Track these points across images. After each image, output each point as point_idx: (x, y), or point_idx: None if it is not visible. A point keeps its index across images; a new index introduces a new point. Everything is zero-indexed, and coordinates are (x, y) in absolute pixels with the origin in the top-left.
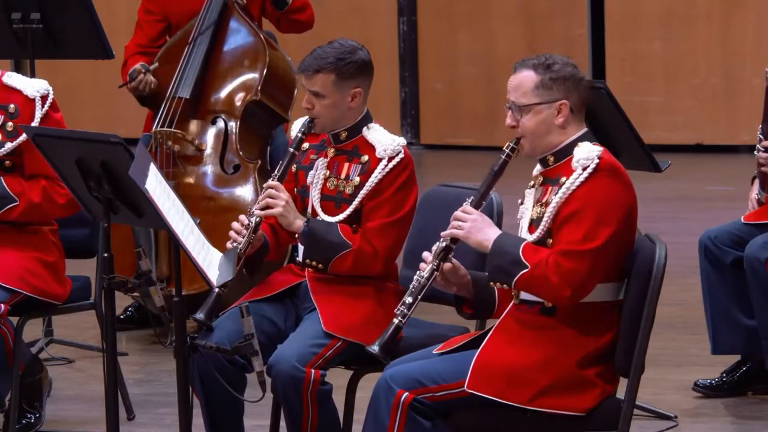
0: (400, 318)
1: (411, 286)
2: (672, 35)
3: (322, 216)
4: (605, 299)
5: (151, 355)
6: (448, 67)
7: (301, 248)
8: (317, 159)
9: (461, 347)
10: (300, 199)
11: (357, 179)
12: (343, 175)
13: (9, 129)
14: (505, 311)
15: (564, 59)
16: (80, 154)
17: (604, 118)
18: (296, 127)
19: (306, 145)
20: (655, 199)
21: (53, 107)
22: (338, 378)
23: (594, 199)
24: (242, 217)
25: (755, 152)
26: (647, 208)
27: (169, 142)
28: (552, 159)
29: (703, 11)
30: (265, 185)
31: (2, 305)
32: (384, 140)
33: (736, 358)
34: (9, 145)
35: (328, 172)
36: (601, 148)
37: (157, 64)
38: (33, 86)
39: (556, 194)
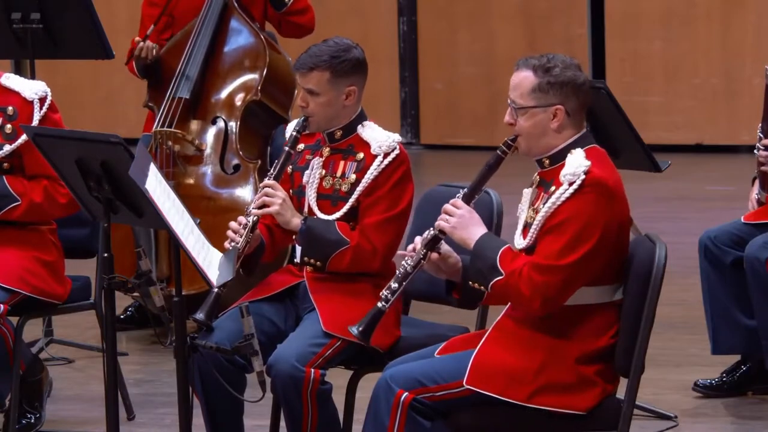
0: (383, 302)
1: (397, 272)
2: (672, 35)
3: (319, 215)
4: (599, 301)
5: (151, 355)
6: (448, 67)
7: (299, 250)
8: (313, 159)
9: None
10: (296, 200)
11: (353, 176)
12: (338, 173)
13: (8, 131)
14: (502, 312)
15: (567, 61)
16: (80, 154)
17: (604, 118)
18: (291, 126)
19: (301, 146)
20: (655, 199)
21: (52, 108)
22: (338, 378)
23: (577, 214)
24: (240, 217)
25: (755, 151)
26: (647, 208)
27: (169, 142)
28: (548, 162)
29: (703, 11)
30: (261, 185)
31: (2, 305)
32: (379, 137)
33: (736, 358)
34: (8, 148)
35: (324, 171)
36: (589, 163)
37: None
38: (31, 88)
39: (544, 204)
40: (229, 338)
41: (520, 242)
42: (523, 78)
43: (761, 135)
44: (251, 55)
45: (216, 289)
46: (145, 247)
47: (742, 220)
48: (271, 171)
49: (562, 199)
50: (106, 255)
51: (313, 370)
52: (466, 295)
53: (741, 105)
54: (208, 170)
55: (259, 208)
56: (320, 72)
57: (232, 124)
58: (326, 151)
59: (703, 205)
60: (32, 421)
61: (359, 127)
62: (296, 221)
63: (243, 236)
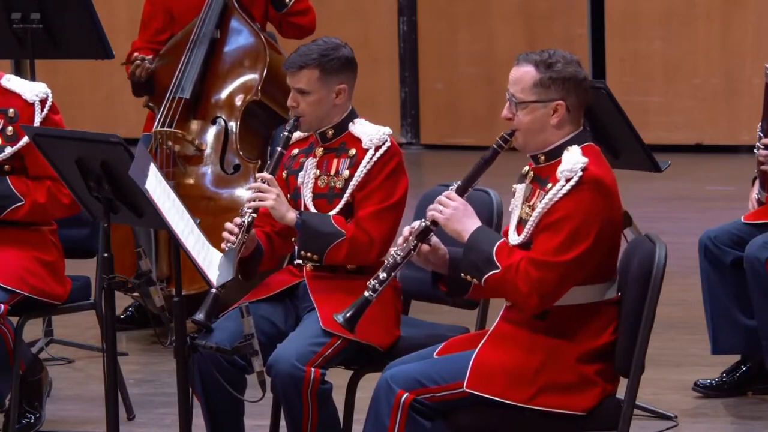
0: (370, 291)
1: (387, 262)
2: (672, 35)
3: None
4: (593, 300)
5: (151, 355)
6: (448, 67)
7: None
8: (306, 160)
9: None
10: (293, 202)
11: (346, 172)
12: (332, 171)
13: (9, 133)
14: (499, 315)
15: (567, 57)
16: (80, 154)
17: (604, 118)
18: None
19: (295, 151)
20: (655, 199)
21: (53, 110)
22: (338, 378)
23: (574, 212)
24: (236, 218)
25: (755, 150)
26: (647, 208)
27: (169, 142)
28: (543, 158)
29: (703, 11)
30: (258, 176)
31: (2, 305)
32: (370, 131)
33: (736, 358)
34: (9, 150)
35: (318, 171)
36: (586, 159)
37: (157, 59)
38: (32, 90)
39: (541, 201)
40: (229, 338)
41: (514, 238)
42: (525, 73)
43: (761, 134)
44: (251, 55)
45: (214, 290)
46: (145, 247)
47: (742, 220)
48: (264, 172)
49: (559, 195)
50: (106, 255)
51: (313, 369)
52: (452, 287)
53: (741, 105)
54: (208, 170)
55: (254, 208)
56: (310, 70)
57: (232, 124)
58: (319, 151)
59: (703, 205)
60: (32, 421)
61: (350, 124)
62: (291, 216)
63: (239, 236)
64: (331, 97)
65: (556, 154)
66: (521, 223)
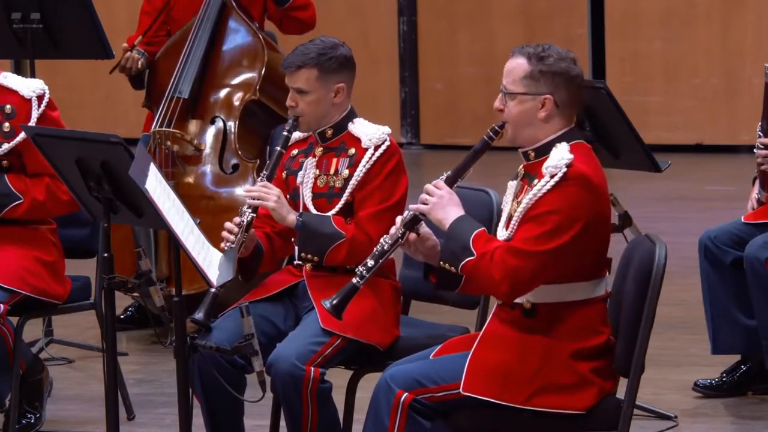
0: (358, 279)
1: (375, 250)
2: (672, 35)
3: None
4: (583, 297)
5: (151, 355)
6: (448, 67)
7: (297, 249)
8: (306, 160)
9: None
10: (292, 202)
11: (346, 172)
12: (332, 171)
13: (6, 130)
14: (491, 314)
15: (562, 53)
16: (80, 154)
17: (604, 118)
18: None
19: (295, 151)
20: (655, 199)
21: (50, 106)
22: (338, 378)
23: (558, 206)
24: (236, 218)
25: (754, 150)
26: (647, 208)
27: (168, 142)
28: (533, 154)
29: (703, 11)
30: (255, 182)
31: (1, 305)
32: (369, 131)
33: (736, 358)
34: (6, 146)
35: (318, 170)
36: (572, 156)
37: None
38: (29, 86)
39: (526, 196)
40: (229, 338)
41: (502, 234)
42: (517, 65)
43: (761, 133)
44: (249, 55)
45: (213, 290)
46: (145, 247)
47: (742, 220)
48: (264, 172)
49: (543, 191)
50: (106, 255)
51: (313, 368)
52: (442, 279)
53: (741, 105)
54: (207, 170)
55: (254, 208)
56: (308, 70)
57: (231, 124)
58: (319, 151)
59: (703, 205)
60: (32, 421)
61: (350, 124)
62: (292, 217)
63: (238, 236)
64: (330, 97)
65: (545, 151)
66: (509, 220)
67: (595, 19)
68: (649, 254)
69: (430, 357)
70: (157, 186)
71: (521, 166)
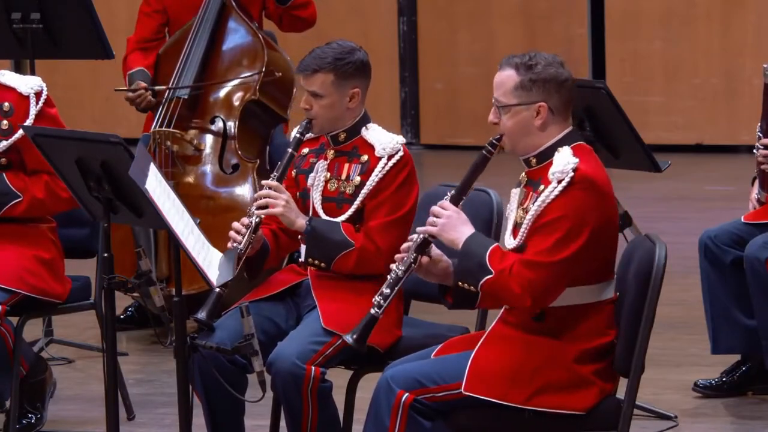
0: (376, 308)
1: (389, 277)
2: (672, 35)
3: (325, 218)
4: (591, 300)
5: (151, 355)
6: (448, 67)
7: (303, 249)
8: (317, 162)
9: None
10: (301, 203)
11: (357, 179)
12: (343, 176)
13: (4, 127)
14: (497, 317)
15: (549, 58)
16: (80, 154)
17: (604, 118)
18: (295, 129)
19: (306, 150)
20: (655, 199)
21: (48, 103)
22: (338, 378)
23: (566, 212)
24: (243, 218)
25: (754, 150)
26: (647, 208)
27: (168, 142)
28: (534, 161)
29: (703, 11)
30: (264, 183)
31: (1, 306)
32: (383, 139)
33: (736, 358)
34: (4, 143)
35: (329, 174)
36: (577, 160)
37: (162, 87)
38: (27, 83)
39: (534, 203)
40: (230, 338)
41: (510, 242)
42: (506, 77)
43: (760, 134)
44: (249, 55)
45: (218, 289)
46: (145, 247)
47: (742, 219)
48: (274, 173)
49: (552, 197)
50: (106, 255)
51: (313, 367)
52: (458, 298)
53: (741, 105)
54: (207, 170)
55: (262, 209)
56: (324, 74)
57: (231, 124)
58: (330, 153)
59: (703, 205)
60: (33, 421)
61: (363, 129)
62: (301, 222)
63: (245, 236)
64: (345, 101)
65: (546, 156)
66: (516, 227)
67: (595, 19)
68: (649, 254)
69: (431, 357)
70: (157, 186)
71: (523, 173)
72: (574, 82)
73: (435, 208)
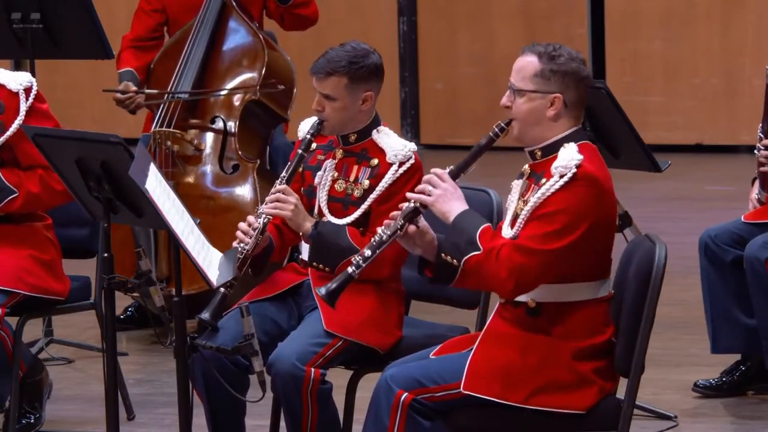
0: (353, 268)
1: (372, 240)
2: (672, 35)
3: (329, 217)
4: (587, 297)
5: (151, 355)
6: (448, 67)
7: (304, 247)
8: (325, 160)
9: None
10: (306, 199)
11: (366, 182)
12: (352, 178)
13: None
14: (493, 312)
15: (572, 53)
16: (80, 154)
17: (604, 118)
18: (304, 128)
19: (314, 145)
20: (655, 199)
21: (38, 98)
22: (338, 378)
23: (566, 206)
24: (250, 218)
25: (755, 151)
26: (647, 208)
27: (168, 142)
28: (539, 153)
29: (703, 11)
30: (273, 189)
31: (0, 308)
32: (395, 145)
33: (736, 358)
34: None
35: (337, 173)
36: (582, 157)
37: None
38: (16, 79)
39: (534, 195)
40: (232, 338)
41: (507, 232)
42: (527, 63)
43: (761, 135)
44: (249, 54)
45: (222, 290)
46: (145, 247)
47: (743, 219)
48: (284, 173)
49: (552, 190)
50: (106, 255)
51: (313, 369)
52: (438, 273)
53: (741, 105)
54: (207, 170)
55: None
56: (338, 77)
57: (231, 124)
58: (339, 153)
59: (703, 205)
60: (32, 421)
61: (374, 132)
62: (308, 226)
63: (252, 237)
64: (357, 104)
65: (552, 150)
66: (515, 218)
67: (595, 19)
68: (649, 254)
69: (430, 356)
70: (157, 186)
71: (526, 165)
72: (591, 83)
73: (432, 177)
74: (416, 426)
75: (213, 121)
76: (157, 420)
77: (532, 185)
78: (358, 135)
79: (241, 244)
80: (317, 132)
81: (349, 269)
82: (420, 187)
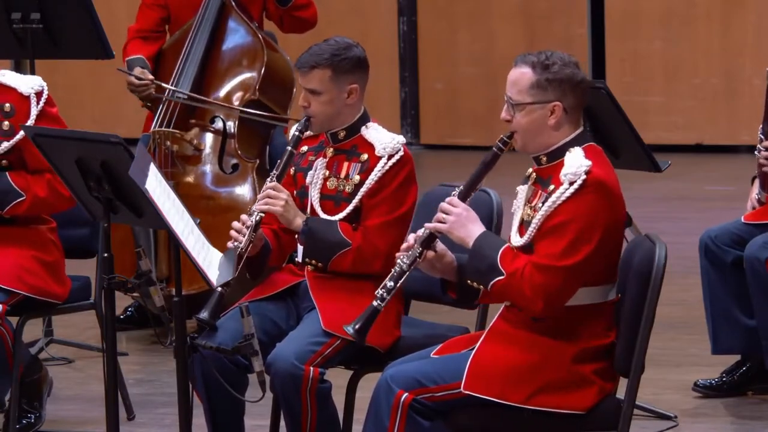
0: (378, 301)
1: (393, 271)
2: (672, 35)
3: (322, 215)
4: (592, 302)
5: (151, 355)
6: (448, 67)
7: (299, 249)
8: (316, 160)
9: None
10: (299, 200)
11: (357, 177)
12: (342, 174)
13: (5, 128)
14: (497, 314)
15: (565, 58)
16: (80, 154)
17: (604, 118)
18: (294, 127)
19: (305, 148)
20: (655, 199)
21: (49, 103)
22: (338, 378)
23: (578, 215)
24: (243, 216)
25: (755, 152)
26: (647, 208)
27: (168, 142)
28: (545, 159)
29: (703, 11)
30: (264, 186)
31: (1, 305)
32: (383, 138)
33: (736, 358)
34: (5, 144)
35: (328, 171)
36: (590, 162)
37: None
38: (27, 83)
39: (543, 203)
40: (231, 338)
41: (516, 240)
42: (521, 74)
43: (762, 137)
44: (249, 54)
45: (220, 289)
46: (145, 247)
47: (743, 219)
48: (274, 171)
49: (563, 198)
50: (106, 255)
51: (312, 368)
52: (462, 293)
53: (741, 105)
54: (207, 170)
55: (262, 207)
56: (321, 70)
57: (231, 124)
58: (330, 151)
59: (703, 205)
60: (32, 420)
61: (363, 128)
62: (299, 221)
63: (246, 236)
64: (343, 98)
65: (557, 155)
66: (523, 225)
67: (595, 19)
68: (649, 254)
69: (432, 355)
70: (157, 186)
71: (530, 169)
72: (588, 84)
73: (444, 205)
74: (416, 426)
75: (213, 121)
76: (157, 420)
77: (539, 191)
78: (347, 131)
79: (235, 243)
80: (305, 128)
81: (375, 303)
82: (436, 216)
